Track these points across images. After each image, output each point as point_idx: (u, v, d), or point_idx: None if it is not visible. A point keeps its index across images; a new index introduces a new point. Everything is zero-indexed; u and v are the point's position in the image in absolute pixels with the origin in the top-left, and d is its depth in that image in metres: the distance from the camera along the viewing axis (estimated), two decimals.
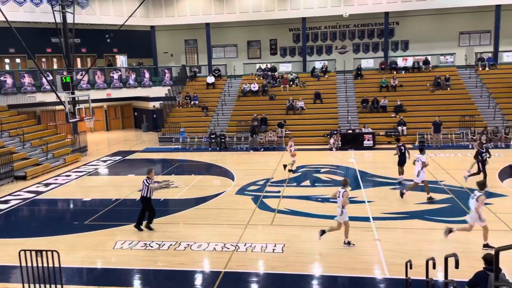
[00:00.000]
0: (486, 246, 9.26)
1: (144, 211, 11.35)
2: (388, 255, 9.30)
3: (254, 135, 22.88)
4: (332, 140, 22.19)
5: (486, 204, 12.43)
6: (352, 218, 11.72)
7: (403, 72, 27.88)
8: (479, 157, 13.94)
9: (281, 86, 28.13)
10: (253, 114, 24.92)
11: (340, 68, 29.37)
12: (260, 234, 11.04)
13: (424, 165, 12.84)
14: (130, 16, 24.41)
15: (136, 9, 25.22)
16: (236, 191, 14.99)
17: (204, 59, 31.76)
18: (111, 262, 9.71)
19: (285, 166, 17.76)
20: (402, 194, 13.32)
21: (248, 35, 32.90)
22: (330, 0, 28.42)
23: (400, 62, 28.61)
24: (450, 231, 9.25)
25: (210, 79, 29.60)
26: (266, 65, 30.50)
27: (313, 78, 28.78)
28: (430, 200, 12.92)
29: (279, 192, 14.74)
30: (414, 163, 13.42)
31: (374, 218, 11.69)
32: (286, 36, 32.59)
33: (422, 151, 13.31)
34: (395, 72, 27.57)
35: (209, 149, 23.69)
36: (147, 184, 11.09)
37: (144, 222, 11.44)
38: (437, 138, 21.57)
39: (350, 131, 22.92)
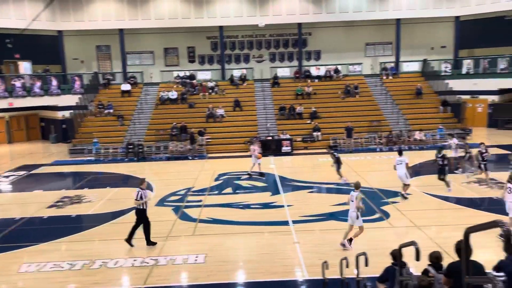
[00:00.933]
0: None
1: (139, 225, 10.55)
2: (307, 257, 9.60)
3: (193, 143, 22.57)
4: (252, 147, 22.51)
5: (393, 202, 13.48)
6: (272, 223, 12.01)
7: (316, 80, 29.29)
8: (480, 157, 14.79)
9: (201, 94, 27.98)
10: (172, 123, 24.45)
11: (258, 77, 30.06)
12: (181, 245, 10.77)
13: (408, 166, 13.52)
14: (34, 20, 22.63)
15: (40, 13, 23.47)
16: (156, 203, 14.49)
17: (118, 66, 30.52)
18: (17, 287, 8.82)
19: (249, 174, 17.75)
20: (404, 197, 13.60)
21: (165, 42, 32.27)
22: (246, 10, 29.01)
23: (314, 71, 30.03)
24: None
25: (125, 87, 28.49)
26: (185, 72, 30.17)
27: (232, 86, 29.06)
28: (405, 198, 13.61)
29: (200, 201, 14.56)
30: (395, 168, 13.65)
31: (294, 222, 12.03)
32: (204, 44, 32.55)
33: (401, 153, 13.96)
34: (309, 81, 28.86)
35: (126, 160, 22.69)
36: (144, 198, 10.45)
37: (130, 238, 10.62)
38: (349, 143, 22.92)
39: (269, 138, 23.46)
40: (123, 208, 13.86)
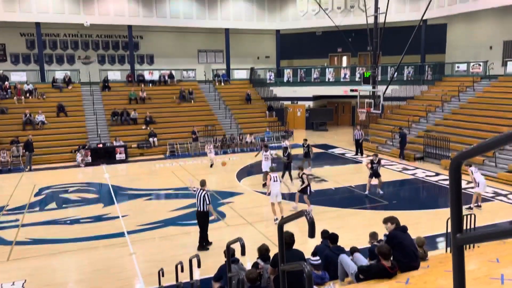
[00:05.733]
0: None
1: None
2: (144, 267, 9.24)
3: (31, 151, 20.04)
4: (79, 156, 20.70)
5: (228, 202, 14.08)
6: (105, 236, 11.23)
7: (151, 85, 28.65)
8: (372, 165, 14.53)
9: (15, 97, 24.40)
10: None
11: (85, 79, 27.73)
12: None
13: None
14: None
15: None
16: None
17: None
18: None
19: (211, 165, 19.10)
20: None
21: None
22: (68, 7, 26.49)
23: (147, 76, 29.27)
24: None
25: None
26: None
27: (54, 89, 26.17)
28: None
29: (17, 220, 12.65)
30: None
31: (129, 232, 11.46)
32: (18, 41, 28.53)
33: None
34: (143, 85, 28.03)
35: None
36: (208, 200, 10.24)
37: None
38: (196, 146, 23.16)
39: (101, 145, 21.91)
40: None
